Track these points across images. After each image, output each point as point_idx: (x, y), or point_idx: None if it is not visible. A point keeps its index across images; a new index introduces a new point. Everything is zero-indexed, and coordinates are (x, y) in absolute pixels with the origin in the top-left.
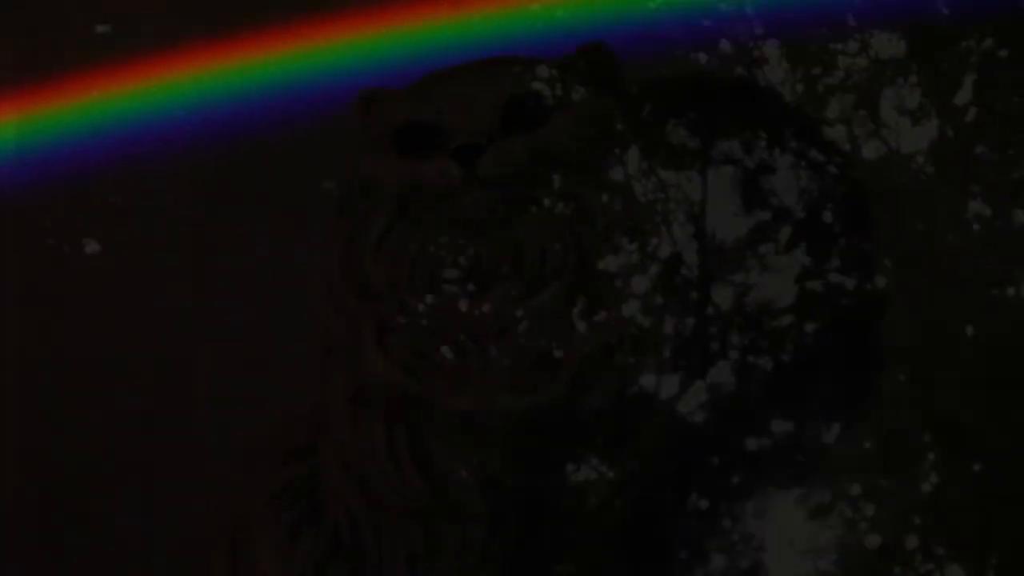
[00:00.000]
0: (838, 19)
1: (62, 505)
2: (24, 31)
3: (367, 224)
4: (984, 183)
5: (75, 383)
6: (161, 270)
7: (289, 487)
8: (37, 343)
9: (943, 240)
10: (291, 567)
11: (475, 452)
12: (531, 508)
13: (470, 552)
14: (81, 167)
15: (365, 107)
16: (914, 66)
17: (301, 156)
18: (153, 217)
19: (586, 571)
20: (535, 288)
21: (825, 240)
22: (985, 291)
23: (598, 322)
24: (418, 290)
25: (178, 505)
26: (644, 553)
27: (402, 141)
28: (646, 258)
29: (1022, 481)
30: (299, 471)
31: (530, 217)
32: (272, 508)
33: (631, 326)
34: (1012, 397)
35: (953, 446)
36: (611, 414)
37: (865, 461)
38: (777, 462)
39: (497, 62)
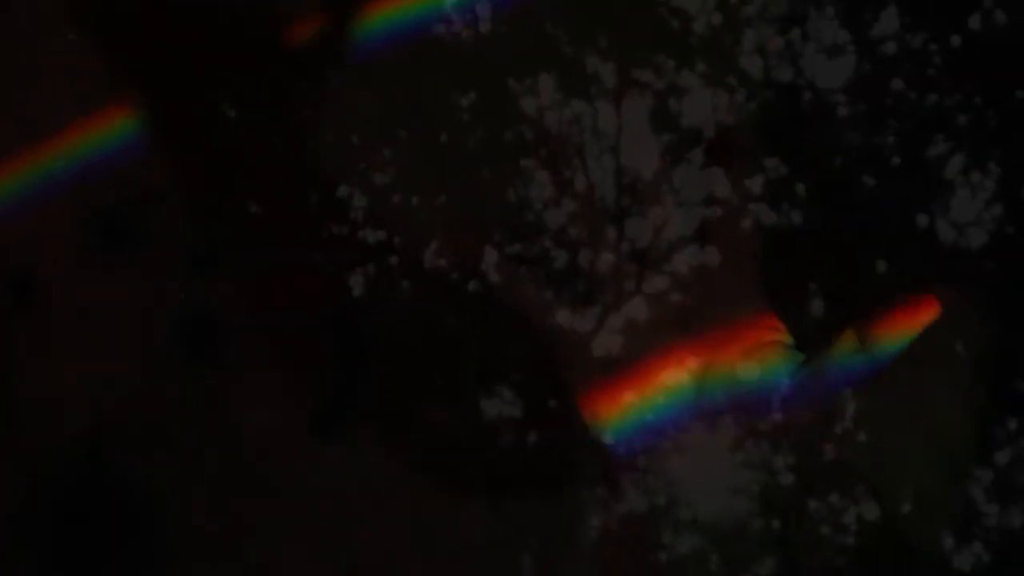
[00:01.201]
0: None
1: None
2: None
3: None
4: (899, 116)
5: None
6: None
7: None
8: None
9: (857, 171)
10: None
11: None
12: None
13: None
14: None
15: None
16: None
17: None
18: None
19: (496, 505)
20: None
21: (737, 161)
22: (898, 223)
23: (512, 254)
24: None
25: None
26: (554, 487)
27: None
28: (561, 192)
29: (936, 420)
30: None
31: None
32: None
33: (546, 260)
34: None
35: (868, 384)
36: (526, 350)
37: (783, 398)
38: (695, 396)
39: None
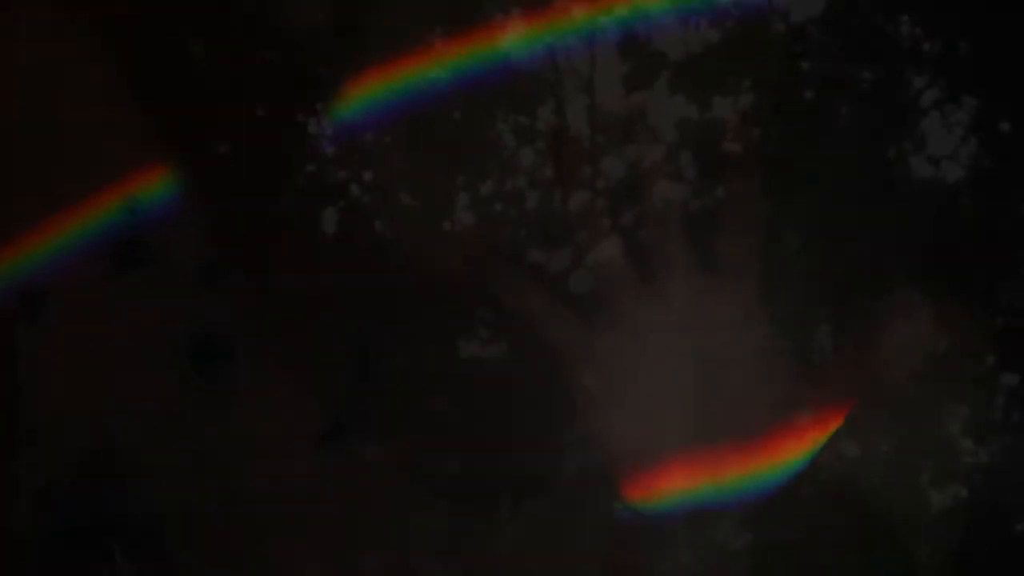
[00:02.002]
0: None
1: None
2: None
3: None
4: (873, 49)
5: None
6: None
7: None
8: None
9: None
10: None
11: None
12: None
13: None
14: None
15: None
16: None
17: None
18: None
19: (470, 450)
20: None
21: (707, 85)
22: (880, 170)
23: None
24: None
25: None
26: (532, 429)
27: None
28: (533, 130)
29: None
30: None
31: None
32: None
33: (519, 200)
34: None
35: (842, 315)
36: (499, 289)
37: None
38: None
39: None
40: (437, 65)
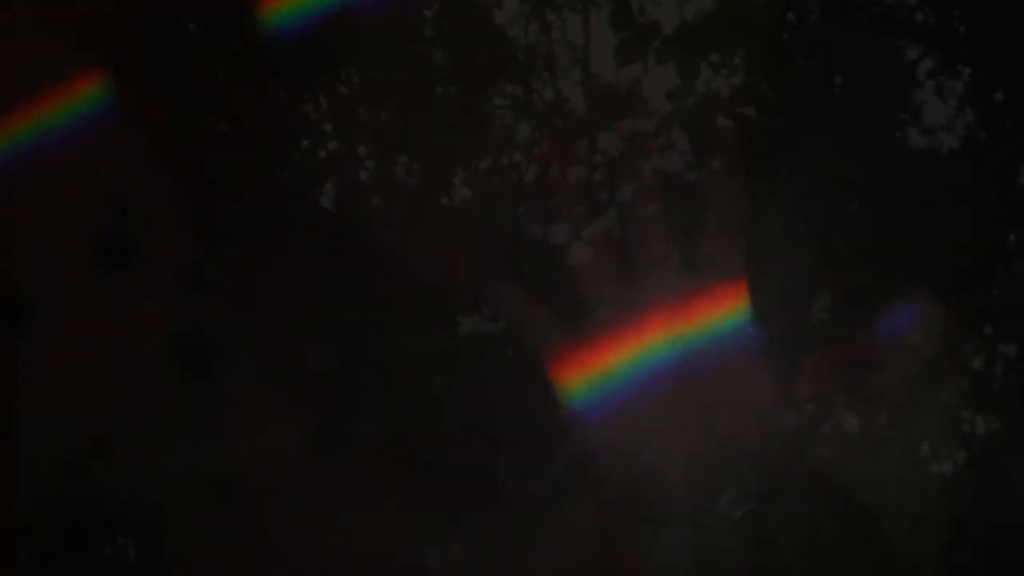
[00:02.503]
0: None
1: None
2: None
3: None
4: (867, 20)
5: None
6: None
7: None
8: None
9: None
10: None
11: None
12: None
13: None
14: None
15: None
16: None
17: None
18: None
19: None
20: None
21: (694, 54)
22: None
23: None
24: None
25: None
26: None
27: None
28: (529, 104)
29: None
30: None
31: None
32: None
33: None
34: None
35: (840, 285)
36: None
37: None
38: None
39: None
40: None
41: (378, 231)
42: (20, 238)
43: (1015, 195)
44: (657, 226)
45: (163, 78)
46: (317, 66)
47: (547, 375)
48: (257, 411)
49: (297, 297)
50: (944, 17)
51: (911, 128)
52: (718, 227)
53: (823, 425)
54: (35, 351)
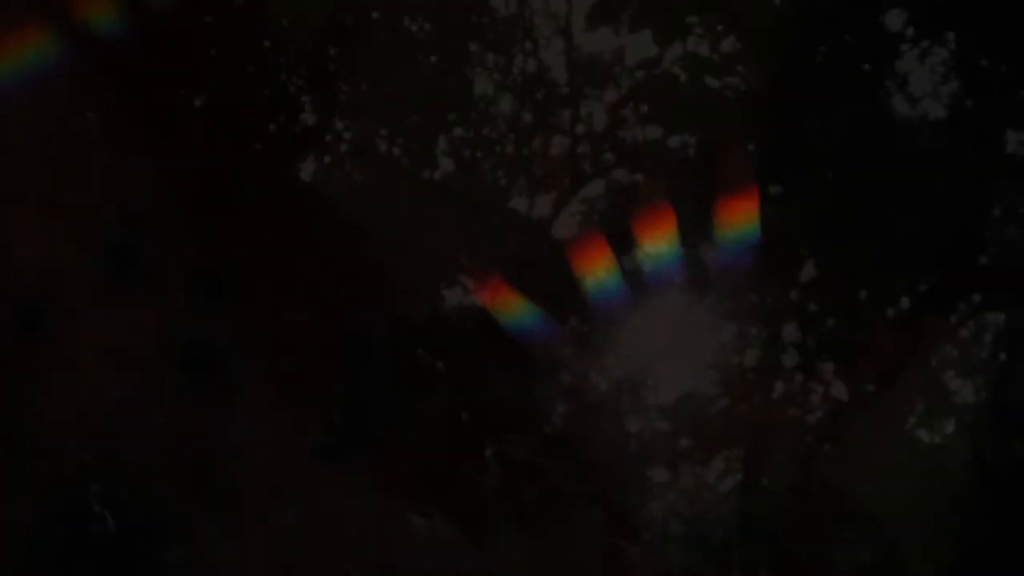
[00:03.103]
0: None
1: None
2: None
3: None
4: None
5: None
6: None
7: None
8: None
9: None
10: None
11: None
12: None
13: None
14: None
15: None
16: None
17: None
18: None
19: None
20: None
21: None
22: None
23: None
24: None
25: None
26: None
27: None
28: (511, 76)
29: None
30: None
31: None
32: None
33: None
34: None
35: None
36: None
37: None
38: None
39: None
40: None
41: (359, 206)
42: (27, 243)
43: (1000, 161)
44: (642, 198)
45: (140, 55)
46: (299, 41)
47: (529, 348)
48: (267, 421)
49: (295, 290)
50: None
51: (897, 96)
52: (707, 197)
53: (812, 394)
54: (43, 361)
